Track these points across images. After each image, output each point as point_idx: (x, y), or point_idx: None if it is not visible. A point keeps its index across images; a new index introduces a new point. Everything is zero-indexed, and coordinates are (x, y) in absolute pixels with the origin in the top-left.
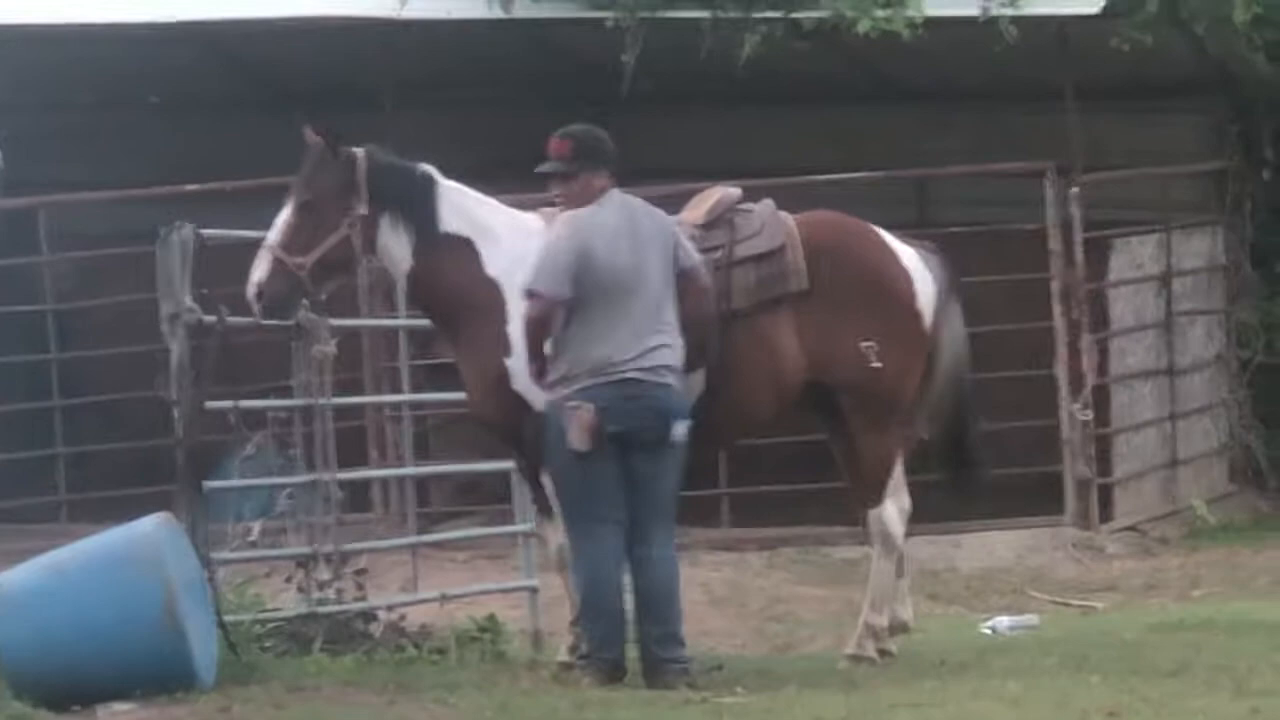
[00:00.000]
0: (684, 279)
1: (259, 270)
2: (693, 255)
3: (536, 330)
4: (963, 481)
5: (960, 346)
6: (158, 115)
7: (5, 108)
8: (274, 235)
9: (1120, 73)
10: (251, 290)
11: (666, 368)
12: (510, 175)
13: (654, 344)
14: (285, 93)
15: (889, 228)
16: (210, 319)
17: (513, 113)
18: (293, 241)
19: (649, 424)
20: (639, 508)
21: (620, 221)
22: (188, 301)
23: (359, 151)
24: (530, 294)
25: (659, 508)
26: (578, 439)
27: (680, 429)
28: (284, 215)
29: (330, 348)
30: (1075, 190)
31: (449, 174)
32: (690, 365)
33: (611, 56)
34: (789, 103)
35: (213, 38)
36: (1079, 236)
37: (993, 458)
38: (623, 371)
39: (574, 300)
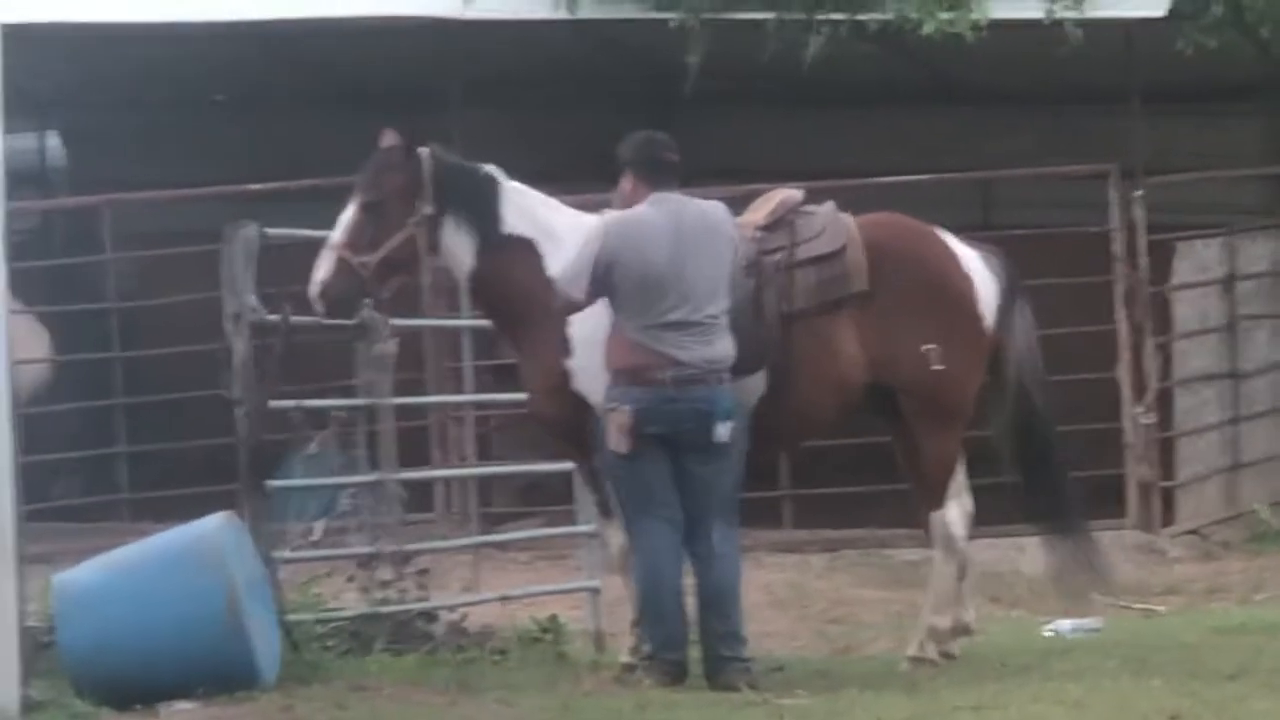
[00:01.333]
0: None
1: (322, 269)
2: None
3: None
4: (1035, 486)
5: (1028, 349)
6: (223, 114)
7: (71, 106)
8: (338, 234)
9: (1185, 76)
10: (314, 289)
11: (709, 369)
12: (574, 175)
13: (695, 345)
14: (350, 92)
15: (952, 230)
16: (274, 318)
17: (577, 113)
18: (357, 240)
19: (689, 426)
20: (697, 507)
21: (663, 223)
22: (251, 300)
23: (424, 152)
24: (560, 291)
25: (717, 506)
26: (615, 441)
27: (723, 430)
28: (348, 214)
29: (392, 346)
30: (1139, 193)
31: (513, 175)
32: (750, 367)
33: (676, 57)
34: (853, 104)
35: (278, 37)
36: (1143, 239)
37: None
38: (662, 372)
39: (613, 301)
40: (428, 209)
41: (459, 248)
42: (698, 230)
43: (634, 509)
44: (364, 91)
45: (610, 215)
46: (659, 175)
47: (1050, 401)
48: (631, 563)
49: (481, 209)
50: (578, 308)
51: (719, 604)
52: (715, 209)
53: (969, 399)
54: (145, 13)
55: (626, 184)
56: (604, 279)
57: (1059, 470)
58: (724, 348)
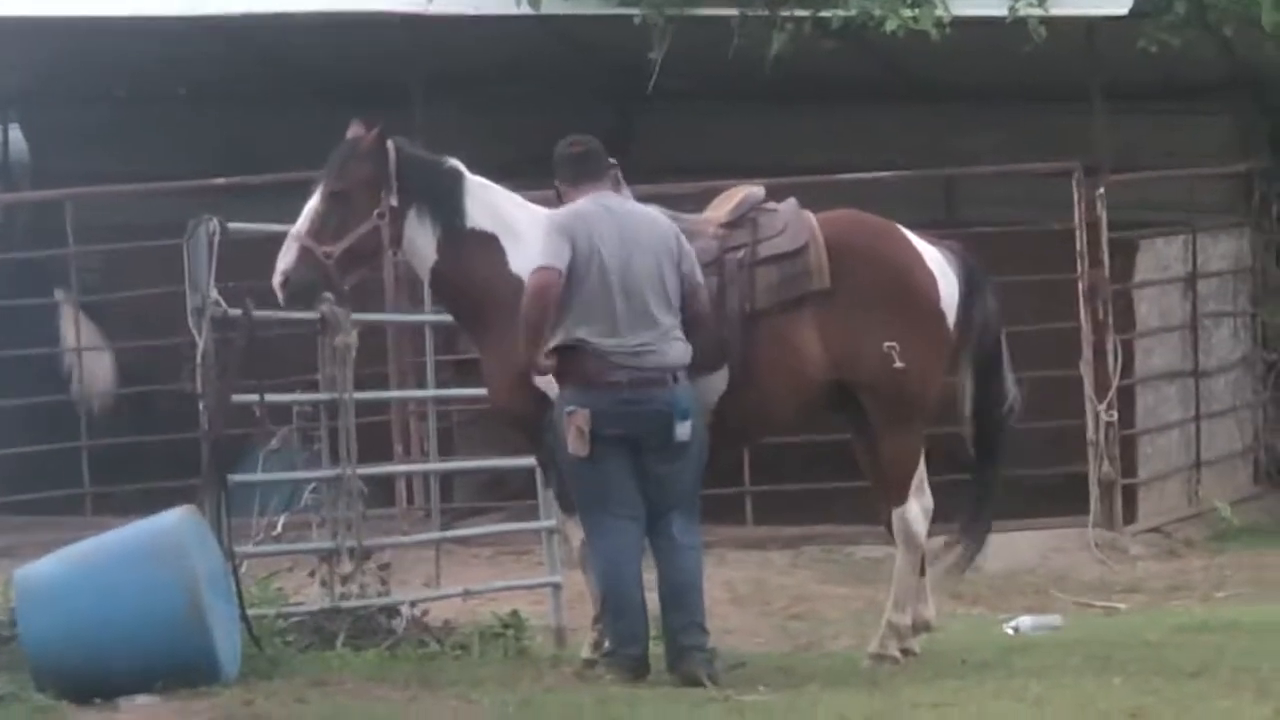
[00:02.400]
0: (694, 294)
1: (286, 258)
2: (698, 274)
3: (537, 301)
4: (985, 481)
5: (993, 342)
6: (186, 108)
7: (33, 100)
8: (302, 223)
9: (1148, 74)
10: (277, 278)
11: (663, 369)
12: (538, 171)
13: (647, 345)
14: (315, 87)
15: (916, 227)
16: (236, 312)
17: (541, 109)
18: (321, 230)
19: (648, 427)
20: (658, 502)
21: (606, 217)
22: (213, 295)
23: (390, 143)
24: (537, 269)
25: (678, 501)
26: (574, 444)
27: (683, 429)
28: (312, 204)
29: (352, 338)
30: (1102, 191)
31: (477, 170)
32: (711, 365)
33: (640, 53)
34: (816, 101)
35: (242, 31)
36: (1105, 237)
37: (1009, 457)
38: (615, 375)
39: (566, 299)
40: (393, 200)
41: (421, 241)
42: (646, 234)
43: (592, 508)
44: (329, 86)
45: (560, 209)
46: (580, 171)
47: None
48: (588, 559)
49: (445, 202)
50: (555, 281)
51: (680, 595)
52: (652, 211)
53: (930, 396)
54: (109, 6)
55: (562, 191)
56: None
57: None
58: (679, 350)
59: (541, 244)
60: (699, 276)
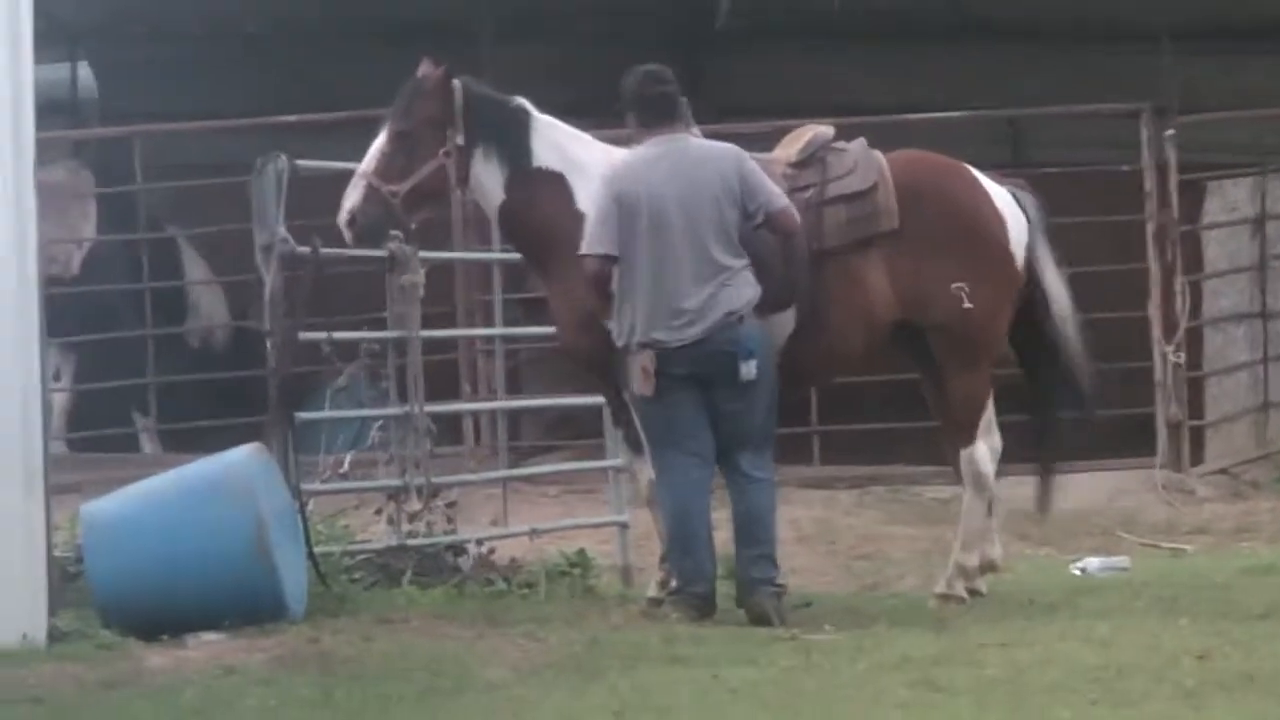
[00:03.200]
0: (774, 220)
1: (352, 197)
2: (780, 198)
3: (596, 289)
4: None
5: (1058, 285)
6: (254, 47)
7: (102, 37)
8: (368, 163)
9: (1216, 14)
10: (344, 216)
11: (729, 310)
12: (606, 111)
13: (712, 285)
14: (381, 26)
15: (982, 167)
16: (304, 250)
17: (608, 48)
18: (387, 169)
19: (713, 366)
20: (729, 439)
21: (666, 164)
22: (282, 232)
23: (456, 83)
24: (583, 258)
25: (749, 438)
26: (640, 384)
27: (748, 368)
28: (378, 144)
29: (419, 277)
30: (1171, 132)
31: (545, 109)
32: (778, 305)
33: None
34: (882, 41)
35: None
36: (1174, 178)
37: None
38: (682, 315)
39: (623, 244)
40: (459, 139)
41: (489, 180)
42: (706, 173)
43: (661, 445)
44: (395, 25)
45: (614, 163)
46: (652, 112)
47: (1086, 338)
48: (658, 497)
49: (512, 141)
50: (607, 275)
51: (752, 527)
52: (723, 150)
53: (999, 337)
54: None
55: (630, 125)
56: (622, 225)
57: (1085, 405)
58: (751, 286)
59: (591, 221)
60: (779, 200)
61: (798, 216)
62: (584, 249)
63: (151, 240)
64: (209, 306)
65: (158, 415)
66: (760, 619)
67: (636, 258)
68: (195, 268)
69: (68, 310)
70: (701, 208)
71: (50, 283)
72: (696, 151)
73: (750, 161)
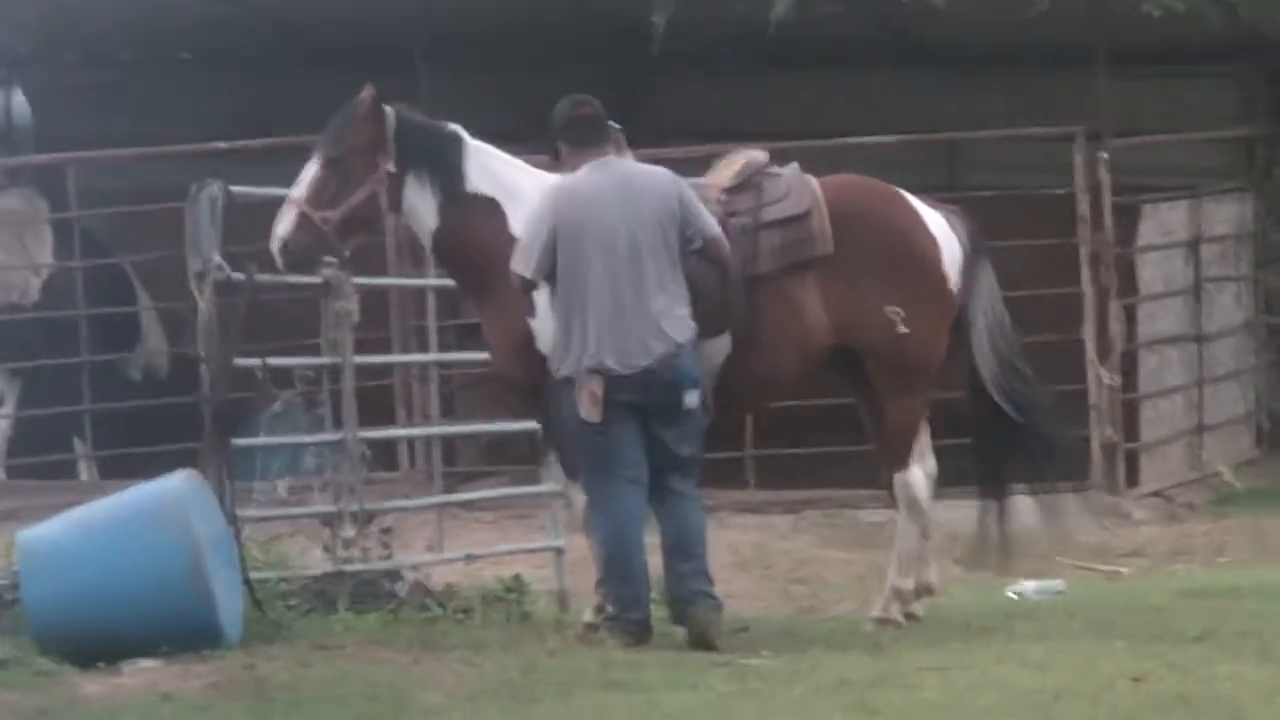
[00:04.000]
0: (707, 247)
1: (284, 224)
2: (713, 226)
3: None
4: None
5: (996, 308)
6: (190, 72)
7: (36, 63)
8: (300, 189)
9: (1151, 38)
10: (275, 243)
11: (678, 341)
12: (543, 135)
13: (660, 312)
14: (317, 51)
15: (918, 191)
16: (238, 276)
17: (546, 73)
18: (319, 196)
19: (657, 395)
20: (661, 465)
21: (610, 188)
22: (216, 258)
23: (388, 109)
24: (513, 273)
25: (681, 463)
26: (588, 411)
27: (691, 398)
28: (310, 170)
29: (352, 304)
30: (1105, 155)
31: (482, 135)
32: (714, 330)
33: (643, 18)
34: (819, 66)
35: None
36: (1108, 201)
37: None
38: (632, 342)
39: (568, 268)
40: (390, 166)
41: (422, 206)
42: (649, 198)
43: (598, 472)
44: (333, 50)
45: (556, 183)
46: (584, 135)
47: (1023, 358)
48: (590, 523)
49: (445, 167)
50: (533, 286)
51: (685, 542)
52: (662, 175)
53: (934, 361)
54: None
55: (563, 153)
56: (561, 249)
57: (1036, 428)
58: (686, 324)
59: (522, 239)
60: (713, 227)
61: (728, 246)
62: (512, 264)
63: (109, 266)
64: (154, 333)
65: (101, 442)
66: (700, 632)
67: (585, 282)
68: (143, 294)
69: (17, 335)
70: (646, 231)
71: (10, 309)
72: (637, 176)
73: (688, 187)
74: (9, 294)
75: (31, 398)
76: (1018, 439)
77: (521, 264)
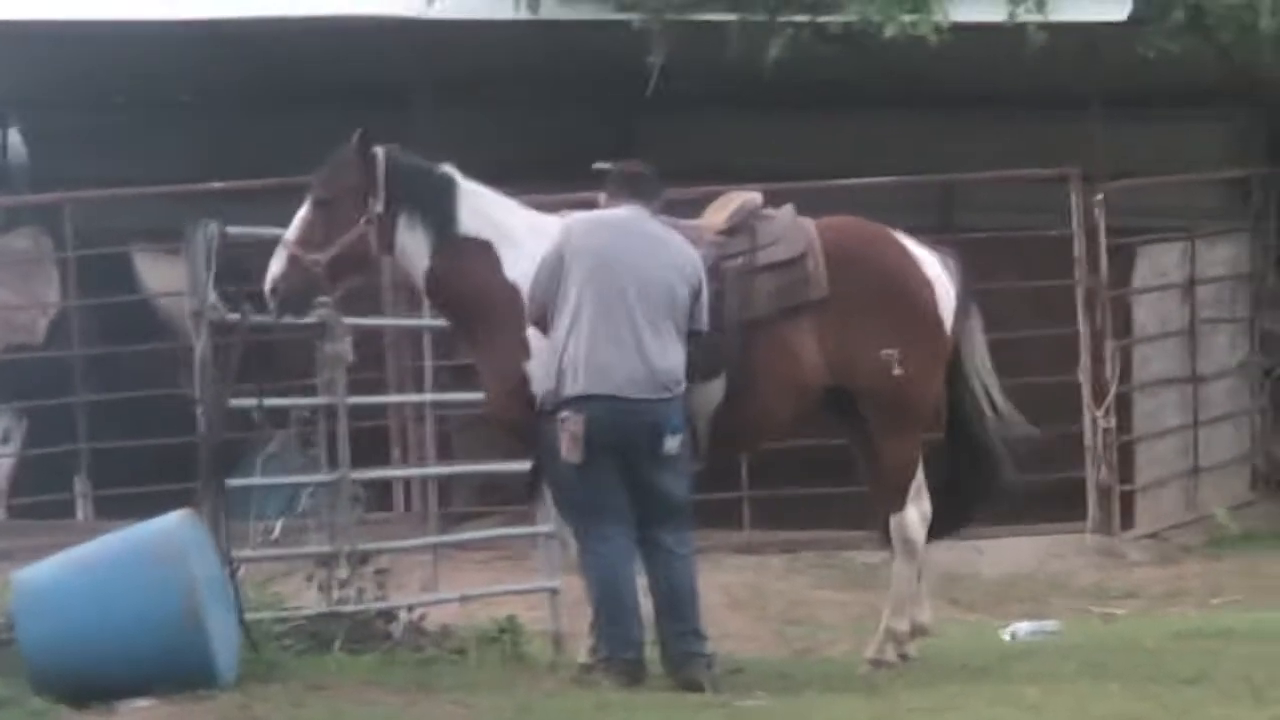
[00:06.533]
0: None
1: (275, 266)
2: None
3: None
4: (986, 487)
5: (981, 352)
6: (187, 113)
7: (34, 105)
8: (291, 232)
9: (1146, 80)
10: (267, 285)
11: (662, 381)
12: (539, 175)
13: (651, 356)
14: (314, 92)
15: (913, 233)
16: (234, 316)
17: (541, 114)
18: (309, 238)
19: (640, 437)
20: (648, 511)
21: (624, 228)
22: (212, 299)
23: (378, 151)
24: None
25: (668, 510)
26: (568, 450)
27: (672, 443)
28: (302, 212)
29: (345, 346)
30: (1100, 197)
31: (477, 174)
32: (708, 373)
33: (638, 59)
34: (814, 107)
35: (241, 36)
36: (1103, 243)
37: (1021, 463)
38: (615, 383)
39: (567, 304)
40: (379, 208)
41: (414, 248)
42: (664, 251)
43: (585, 514)
44: (328, 91)
45: (572, 218)
46: (627, 188)
47: (1006, 405)
48: (585, 564)
49: (437, 209)
50: (544, 316)
51: (676, 604)
52: (691, 247)
53: (928, 402)
54: (108, 11)
55: (601, 201)
56: (568, 282)
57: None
58: (677, 370)
59: (537, 269)
60: (705, 325)
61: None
62: (531, 292)
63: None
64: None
65: (102, 482)
66: (692, 689)
67: (580, 311)
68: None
69: (27, 375)
70: (653, 276)
71: (18, 349)
72: (662, 230)
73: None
74: (15, 334)
75: (40, 437)
76: (990, 480)
77: (535, 292)
